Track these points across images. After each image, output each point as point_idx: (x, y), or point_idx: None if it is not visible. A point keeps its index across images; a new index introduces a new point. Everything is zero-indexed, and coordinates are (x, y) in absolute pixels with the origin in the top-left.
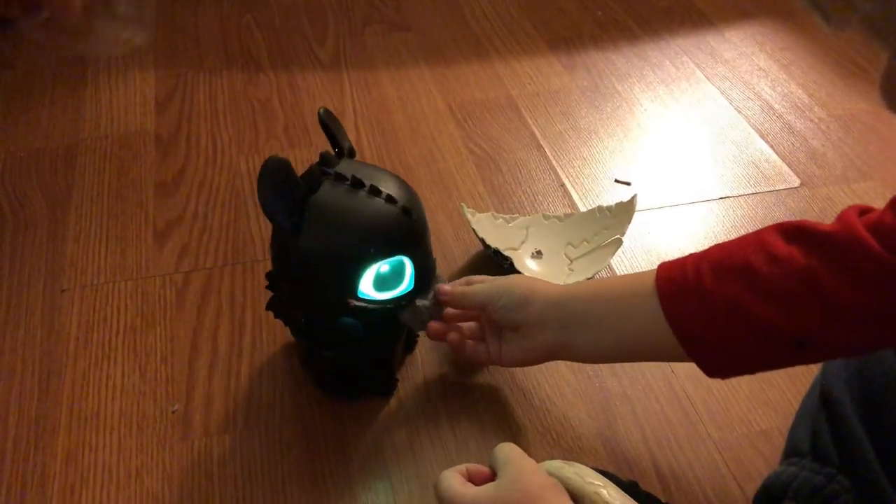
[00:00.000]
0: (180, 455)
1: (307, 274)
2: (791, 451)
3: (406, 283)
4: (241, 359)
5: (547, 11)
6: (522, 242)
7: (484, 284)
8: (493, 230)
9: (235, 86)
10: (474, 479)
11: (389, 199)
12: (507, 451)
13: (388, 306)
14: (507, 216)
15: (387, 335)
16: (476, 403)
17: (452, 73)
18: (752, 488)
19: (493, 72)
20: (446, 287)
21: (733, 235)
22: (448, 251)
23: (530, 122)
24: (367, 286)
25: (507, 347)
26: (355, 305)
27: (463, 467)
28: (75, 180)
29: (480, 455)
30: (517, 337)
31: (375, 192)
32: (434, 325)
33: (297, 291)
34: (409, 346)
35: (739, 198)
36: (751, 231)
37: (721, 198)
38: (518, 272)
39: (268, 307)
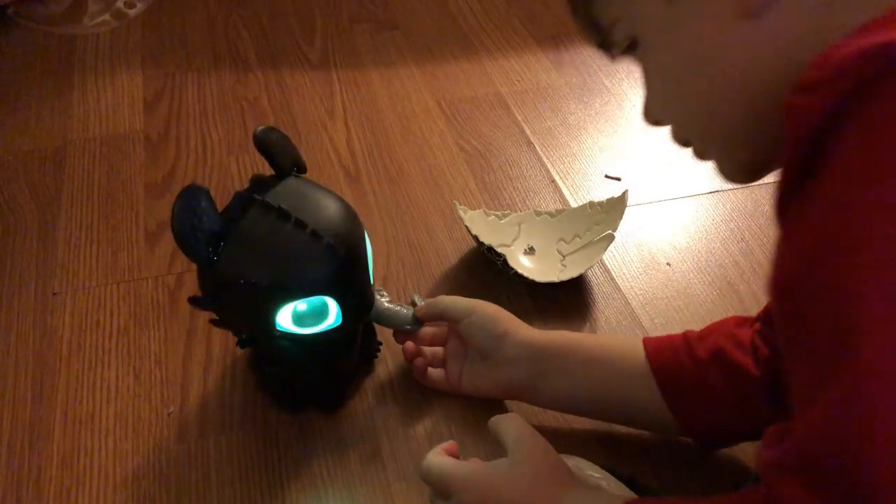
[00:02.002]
0: (177, 457)
1: (223, 305)
2: None
3: (332, 320)
4: (235, 359)
5: (534, 7)
6: (515, 239)
7: (463, 299)
8: (485, 227)
9: (224, 85)
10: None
11: (314, 234)
12: (517, 426)
13: (317, 337)
14: (499, 213)
15: (327, 356)
16: (472, 400)
17: (441, 71)
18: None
19: (482, 69)
20: (422, 307)
21: (724, 229)
22: (441, 249)
23: (520, 118)
24: (285, 321)
25: (469, 374)
26: (280, 335)
27: (440, 449)
28: (64, 182)
29: (478, 452)
30: (483, 367)
31: (300, 225)
32: (409, 345)
33: (223, 315)
34: (368, 360)
35: (729, 192)
36: (740, 222)
37: (711, 192)
38: (512, 269)
39: (212, 322)
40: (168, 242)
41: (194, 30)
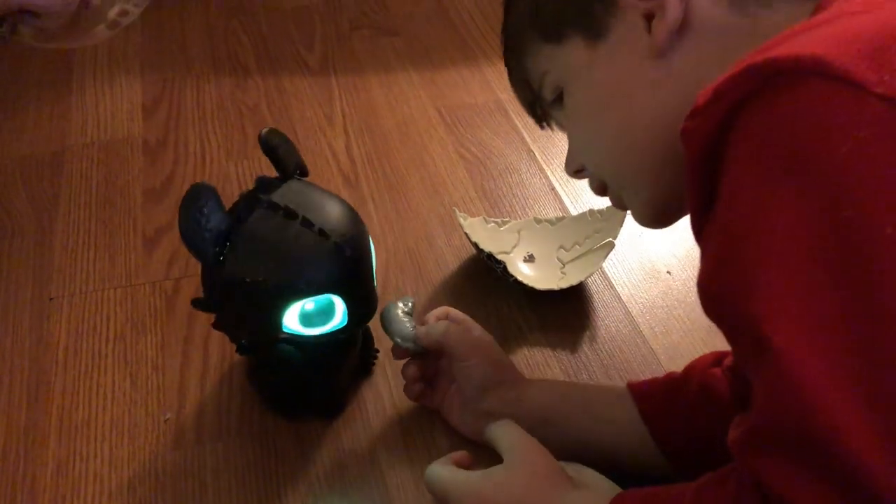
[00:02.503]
0: (173, 464)
1: (229, 305)
2: None
3: (338, 320)
4: (232, 366)
5: None
6: (514, 246)
7: (466, 339)
8: (485, 234)
9: (223, 91)
10: (462, 465)
11: (321, 233)
12: (511, 432)
13: (321, 340)
14: (498, 220)
15: (329, 360)
16: None
17: (441, 78)
18: None
19: (482, 76)
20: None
21: None
22: (440, 256)
23: (520, 125)
24: (291, 321)
25: (449, 405)
26: (285, 337)
27: (448, 458)
28: (62, 187)
29: (476, 462)
30: (464, 409)
31: (307, 224)
32: (414, 372)
33: (226, 318)
34: (365, 367)
35: None
36: None
37: None
38: (512, 276)
39: (214, 326)
40: (166, 248)
41: (193, 35)
